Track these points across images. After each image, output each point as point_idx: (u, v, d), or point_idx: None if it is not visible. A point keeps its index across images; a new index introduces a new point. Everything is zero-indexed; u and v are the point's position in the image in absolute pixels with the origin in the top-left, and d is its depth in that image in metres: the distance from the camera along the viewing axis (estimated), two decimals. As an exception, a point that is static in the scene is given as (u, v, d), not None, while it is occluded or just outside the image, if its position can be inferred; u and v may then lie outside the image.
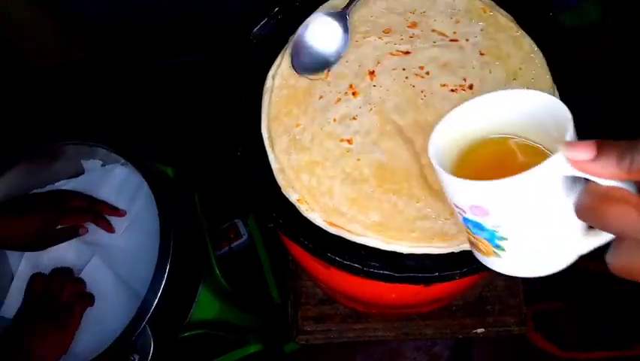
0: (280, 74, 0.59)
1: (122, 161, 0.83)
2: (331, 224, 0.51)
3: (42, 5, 1.02)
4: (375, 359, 1.23)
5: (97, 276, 0.79)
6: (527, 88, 0.53)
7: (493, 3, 0.59)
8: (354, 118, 0.55)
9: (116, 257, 0.80)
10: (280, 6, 0.63)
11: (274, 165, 0.55)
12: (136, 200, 0.83)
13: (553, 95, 0.53)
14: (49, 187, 0.85)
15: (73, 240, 0.81)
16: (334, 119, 0.55)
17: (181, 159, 0.97)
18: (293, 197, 0.53)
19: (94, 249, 0.81)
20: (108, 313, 0.76)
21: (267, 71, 0.60)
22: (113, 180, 0.85)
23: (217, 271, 0.94)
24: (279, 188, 0.54)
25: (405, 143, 0.53)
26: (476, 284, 0.87)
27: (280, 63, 0.59)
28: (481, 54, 0.56)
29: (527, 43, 0.56)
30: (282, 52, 0.60)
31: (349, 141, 0.54)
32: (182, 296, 0.82)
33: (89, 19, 1.05)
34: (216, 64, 1.14)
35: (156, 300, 0.69)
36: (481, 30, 0.58)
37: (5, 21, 1.05)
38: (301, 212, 0.53)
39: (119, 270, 0.79)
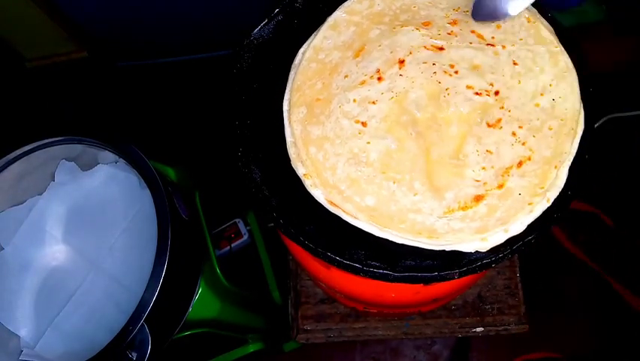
0: (312, 47, 0.59)
1: (122, 161, 0.82)
2: (331, 203, 0.52)
3: (42, 5, 1.03)
4: (375, 358, 1.24)
5: (94, 277, 0.80)
6: (551, 106, 0.52)
7: (537, 13, 0.58)
8: (373, 102, 0.55)
9: (114, 258, 0.81)
10: (280, 7, 0.63)
11: (289, 139, 0.55)
12: (135, 200, 0.82)
13: (579, 117, 0.52)
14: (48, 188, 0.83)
15: (69, 248, 0.81)
16: (354, 100, 0.55)
17: (181, 158, 0.98)
18: (300, 171, 0.54)
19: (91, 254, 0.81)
20: (106, 312, 0.78)
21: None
22: (112, 181, 0.83)
23: (218, 271, 0.94)
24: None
25: (417, 136, 0.53)
26: (475, 284, 0.86)
27: (312, 40, 0.59)
28: (515, 64, 0.55)
29: (564, 60, 0.54)
30: (316, 31, 0.60)
31: (364, 124, 0.54)
32: (181, 295, 0.82)
33: (88, 20, 1.07)
34: (217, 64, 1.14)
35: (154, 298, 0.69)
36: (520, 39, 0.56)
37: (4, 21, 1.07)
38: (306, 187, 0.53)
39: (117, 270, 0.80)
